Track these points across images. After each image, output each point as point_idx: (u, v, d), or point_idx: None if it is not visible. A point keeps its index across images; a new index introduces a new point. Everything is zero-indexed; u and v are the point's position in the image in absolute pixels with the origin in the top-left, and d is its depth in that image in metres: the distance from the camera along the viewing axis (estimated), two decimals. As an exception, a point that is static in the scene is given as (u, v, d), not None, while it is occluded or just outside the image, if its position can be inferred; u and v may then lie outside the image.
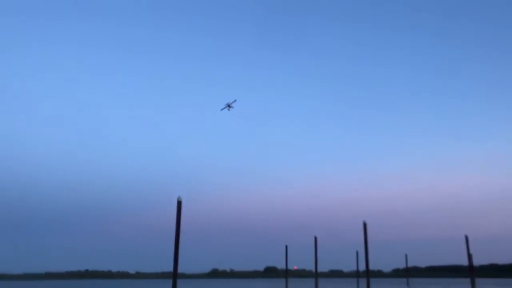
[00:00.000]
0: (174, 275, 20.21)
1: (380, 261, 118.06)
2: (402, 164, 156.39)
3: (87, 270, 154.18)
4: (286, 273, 51.27)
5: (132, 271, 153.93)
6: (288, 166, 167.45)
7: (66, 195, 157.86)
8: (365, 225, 26.48)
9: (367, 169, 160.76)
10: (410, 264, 77.02)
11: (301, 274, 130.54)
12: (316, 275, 42.75)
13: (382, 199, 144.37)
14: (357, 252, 55.96)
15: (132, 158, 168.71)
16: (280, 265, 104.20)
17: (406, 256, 67.89)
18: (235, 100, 46.04)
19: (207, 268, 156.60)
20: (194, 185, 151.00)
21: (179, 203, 21.05)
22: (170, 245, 20.81)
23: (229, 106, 45.13)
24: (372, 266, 27.03)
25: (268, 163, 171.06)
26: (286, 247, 47.26)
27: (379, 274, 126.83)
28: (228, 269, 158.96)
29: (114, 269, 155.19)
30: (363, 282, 47.57)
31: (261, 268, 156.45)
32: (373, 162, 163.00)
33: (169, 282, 22.18)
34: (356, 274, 63.10)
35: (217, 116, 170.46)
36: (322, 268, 50.02)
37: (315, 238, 40.76)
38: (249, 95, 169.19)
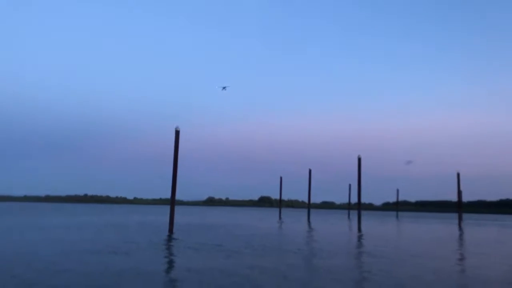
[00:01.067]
0: (172, 202, 20.60)
1: (372, 195, 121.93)
2: (397, 100, 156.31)
3: (86, 195, 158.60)
4: (280, 203, 52.88)
5: (130, 197, 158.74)
6: (285, 98, 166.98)
7: (69, 120, 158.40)
8: (359, 159, 26.88)
9: (363, 104, 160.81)
10: (401, 199, 79.39)
11: (294, 204, 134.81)
12: (308, 205, 44.08)
13: (377, 134, 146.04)
14: (349, 185, 57.35)
15: (131, 85, 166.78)
16: (274, 196, 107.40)
17: (397, 190, 69.82)
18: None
19: (203, 196, 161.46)
20: (192, 113, 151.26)
21: (177, 133, 21.00)
22: (168, 173, 21.13)
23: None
24: (363, 199, 27.88)
25: (266, 94, 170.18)
26: (281, 178, 48.36)
27: (370, 207, 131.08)
28: (223, 198, 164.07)
29: (113, 194, 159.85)
30: (353, 214, 49.27)
31: (255, 197, 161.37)
32: (369, 97, 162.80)
33: (167, 207, 22.74)
34: (348, 206, 65.13)
35: (217, 42, 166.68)
36: (315, 199, 52.01)
37: (310, 171, 41.56)
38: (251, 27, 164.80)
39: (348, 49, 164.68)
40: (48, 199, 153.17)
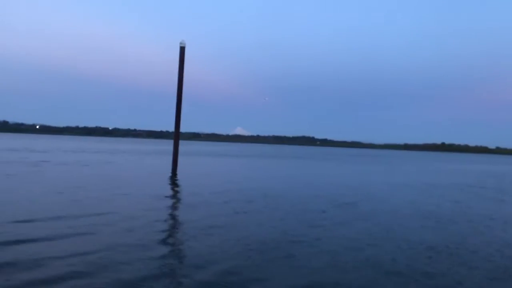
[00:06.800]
0: None
1: None
2: None
3: (443, 143, 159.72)
4: None
5: (491, 146, 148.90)
6: None
7: (427, 71, 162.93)
8: None
9: None
10: None
11: None
12: None
13: None
14: None
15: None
16: None
17: None
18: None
19: None
20: None
21: None
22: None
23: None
24: None
25: None
26: None
27: None
28: None
29: (471, 143, 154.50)
30: None
31: None
32: None
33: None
34: None
35: None
36: None
37: None
38: None
39: None
40: (406, 147, 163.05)
